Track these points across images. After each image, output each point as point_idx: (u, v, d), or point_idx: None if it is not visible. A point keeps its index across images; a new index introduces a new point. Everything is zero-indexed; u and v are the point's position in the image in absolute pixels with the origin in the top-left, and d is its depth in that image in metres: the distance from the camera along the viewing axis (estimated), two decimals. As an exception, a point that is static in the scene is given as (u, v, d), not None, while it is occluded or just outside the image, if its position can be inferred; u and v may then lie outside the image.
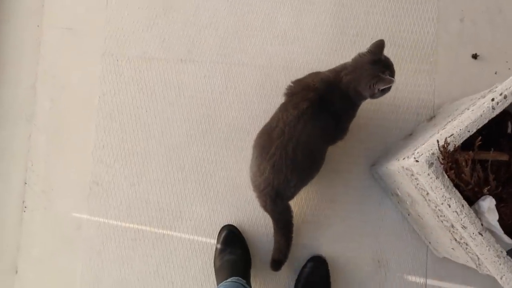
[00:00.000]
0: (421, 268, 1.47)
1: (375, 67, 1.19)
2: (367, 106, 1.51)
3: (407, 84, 1.53)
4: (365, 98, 1.26)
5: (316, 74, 1.29)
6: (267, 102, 1.52)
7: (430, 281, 1.47)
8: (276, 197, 1.22)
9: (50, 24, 1.57)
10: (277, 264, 1.37)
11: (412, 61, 1.54)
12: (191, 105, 1.53)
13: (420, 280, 1.47)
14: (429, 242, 1.44)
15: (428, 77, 1.53)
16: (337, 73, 1.24)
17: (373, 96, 1.22)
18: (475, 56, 1.53)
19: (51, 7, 1.58)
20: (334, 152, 1.48)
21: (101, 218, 1.51)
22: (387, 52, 1.52)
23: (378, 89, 1.19)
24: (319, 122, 1.21)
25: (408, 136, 1.48)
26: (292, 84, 1.31)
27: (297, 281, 1.44)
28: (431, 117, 1.49)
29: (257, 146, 1.26)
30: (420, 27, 1.55)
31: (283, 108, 1.27)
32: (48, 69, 1.56)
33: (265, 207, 1.27)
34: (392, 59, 1.52)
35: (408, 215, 1.44)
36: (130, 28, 1.57)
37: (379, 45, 1.20)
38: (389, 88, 1.21)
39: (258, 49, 1.55)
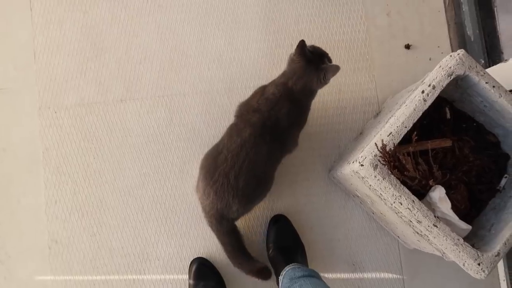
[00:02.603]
0: (396, 263, 1.48)
1: (314, 62, 1.23)
2: (314, 114, 1.52)
3: (349, 85, 1.55)
4: (315, 94, 1.31)
5: (262, 91, 1.28)
6: (215, 127, 1.50)
7: (406, 274, 1.47)
8: (221, 218, 1.26)
9: (-22, 88, 1.51)
10: (262, 273, 1.33)
11: (350, 61, 1.56)
12: (139, 144, 1.50)
13: (396, 274, 1.47)
14: (398, 236, 1.45)
15: (368, 74, 1.56)
16: (284, 85, 1.24)
17: (325, 84, 1.27)
18: (407, 46, 1.56)
19: (-23, 70, 1.53)
20: (290, 164, 1.48)
21: (66, 276, 1.45)
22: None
23: (328, 79, 1.24)
24: (264, 146, 1.21)
25: (359, 135, 1.49)
26: (238, 108, 1.31)
27: (267, 247, 1.43)
28: (377, 113, 1.50)
29: (203, 168, 1.26)
30: (351, 27, 1.57)
31: (229, 132, 1.26)
32: (-16, 134, 1.50)
33: (211, 227, 1.29)
34: (329, 63, 1.55)
35: (373, 213, 1.45)
36: (63, 77, 1.52)
37: (302, 45, 1.22)
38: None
39: (197, 76, 1.54)
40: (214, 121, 1.51)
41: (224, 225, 1.27)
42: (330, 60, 1.28)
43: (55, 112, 1.51)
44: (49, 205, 1.47)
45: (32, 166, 1.49)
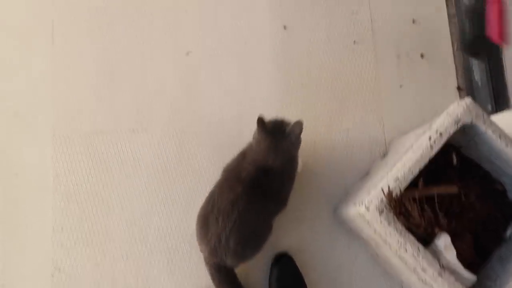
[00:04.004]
0: (400, 308, 1.45)
1: (278, 134, 1.24)
2: (321, 152, 1.54)
3: (356, 123, 1.57)
4: (297, 160, 1.34)
5: (244, 156, 1.30)
6: (223, 163, 1.50)
7: (411, 319, 1.44)
8: (219, 267, 1.28)
9: (-6, 113, 1.56)
10: None
11: (358, 101, 1.59)
12: (148, 175, 1.52)
13: (400, 320, 1.45)
14: (402, 282, 1.43)
15: (376, 115, 1.58)
16: (264, 161, 1.24)
17: (299, 143, 1.28)
18: (416, 89, 1.59)
19: (-4, 96, 1.57)
20: (295, 201, 1.48)
21: (67, 305, 1.45)
22: (334, 96, 1.59)
23: (298, 134, 1.24)
24: (255, 204, 1.22)
25: (366, 176, 1.50)
26: (225, 171, 1.34)
27: (270, 286, 1.42)
28: (384, 154, 1.52)
29: (197, 225, 1.27)
30: (361, 68, 1.61)
31: (219, 186, 1.27)
32: (-3, 159, 1.53)
33: (212, 276, 1.30)
34: (338, 101, 1.59)
35: (377, 256, 1.44)
36: (79, 104, 1.57)
37: (262, 123, 1.24)
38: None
39: (209, 110, 1.57)
40: (223, 156, 1.51)
41: (223, 273, 1.29)
42: (289, 123, 1.28)
43: (69, 139, 1.54)
44: (55, 231, 1.48)
45: (41, 192, 1.51)
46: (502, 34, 1.41)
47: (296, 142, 1.25)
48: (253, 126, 1.55)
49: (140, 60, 1.61)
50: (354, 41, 1.63)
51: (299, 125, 1.22)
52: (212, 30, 1.63)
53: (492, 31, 1.43)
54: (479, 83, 1.59)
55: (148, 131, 1.56)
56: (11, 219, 1.50)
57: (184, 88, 1.59)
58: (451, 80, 1.63)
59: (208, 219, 1.22)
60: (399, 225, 1.03)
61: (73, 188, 1.51)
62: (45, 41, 1.60)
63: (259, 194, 1.22)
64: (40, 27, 1.61)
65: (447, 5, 1.68)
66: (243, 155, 1.31)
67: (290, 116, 1.54)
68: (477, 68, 1.62)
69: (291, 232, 1.49)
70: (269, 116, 1.55)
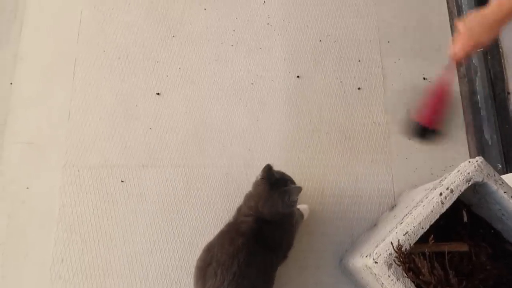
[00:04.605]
0: None
1: (277, 187, 1.24)
2: (328, 199, 1.53)
3: (366, 175, 1.57)
4: (292, 215, 1.33)
5: (239, 210, 1.32)
6: (230, 202, 1.52)
7: None
8: None
9: (11, 140, 1.58)
10: None
11: (368, 151, 1.60)
12: (153, 211, 1.51)
13: None
14: None
15: (385, 166, 1.58)
16: (255, 208, 1.25)
17: (291, 207, 1.28)
18: (426, 144, 1.60)
19: (14, 124, 1.60)
20: (301, 249, 1.46)
21: None
22: (344, 146, 1.60)
23: (293, 201, 1.25)
24: (258, 256, 1.20)
25: (373, 227, 1.48)
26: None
27: None
28: (393, 206, 1.50)
29: (195, 275, 1.23)
30: (371, 119, 1.64)
31: (220, 238, 1.25)
32: (7, 185, 1.54)
33: None
34: (348, 151, 1.61)
35: (383, 311, 1.39)
36: (92, 138, 1.59)
37: (268, 169, 1.25)
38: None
39: (218, 150, 1.59)
40: (230, 196, 1.53)
41: None
42: (294, 184, 1.31)
43: (78, 171, 1.55)
44: (55, 262, 1.46)
45: (46, 221, 1.50)
46: (433, 120, 1.36)
47: (289, 203, 1.25)
48: (262, 161, 1.57)
49: (153, 99, 1.65)
50: (365, 94, 1.67)
51: (298, 190, 1.24)
52: (227, 75, 1.68)
53: (424, 117, 1.36)
54: (489, 142, 1.60)
55: (157, 167, 1.57)
56: (13, 246, 1.48)
57: (195, 127, 1.61)
58: (461, 136, 1.64)
59: (206, 271, 1.19)
60: (408, 281, 1.00)
61: (78, 220, 1.51)
62: (66, 77, 1.66)
63: (261, 245, 1.20)
64: (63, 63, 1.68)
65: (456, 65, 1.72)
66: (239, 210, 1.31)
67: (299, 162, 1.56)
68: (487, 127, 1.64)
69: (294, 280, 1.45)
70: (278, 157, 1.57)
